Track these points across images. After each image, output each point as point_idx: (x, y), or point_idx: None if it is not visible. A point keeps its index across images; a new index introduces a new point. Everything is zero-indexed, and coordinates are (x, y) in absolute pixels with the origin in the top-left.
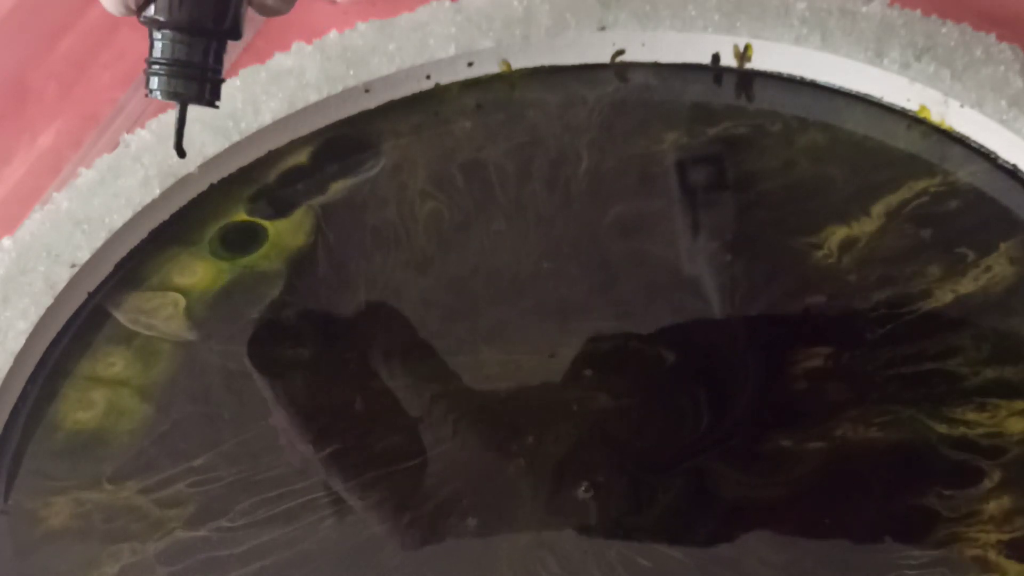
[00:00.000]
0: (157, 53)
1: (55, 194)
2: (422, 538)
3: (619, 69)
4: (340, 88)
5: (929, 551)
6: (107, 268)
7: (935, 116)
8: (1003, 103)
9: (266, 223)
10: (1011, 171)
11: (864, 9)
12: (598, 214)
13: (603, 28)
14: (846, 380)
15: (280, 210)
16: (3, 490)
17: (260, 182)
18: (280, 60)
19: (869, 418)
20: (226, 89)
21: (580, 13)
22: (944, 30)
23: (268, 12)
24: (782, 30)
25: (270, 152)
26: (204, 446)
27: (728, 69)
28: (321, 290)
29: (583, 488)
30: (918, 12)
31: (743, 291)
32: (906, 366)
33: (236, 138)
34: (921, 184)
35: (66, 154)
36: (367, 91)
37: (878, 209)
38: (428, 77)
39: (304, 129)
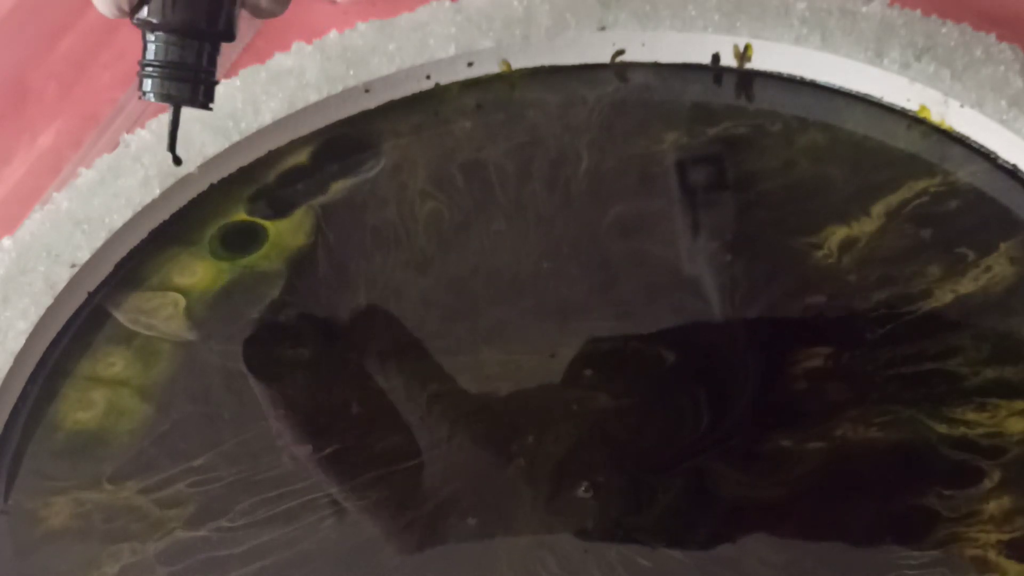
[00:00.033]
0: (150, 55)
1: (55, 194)
2: (422, 538)
3: (619, 69)
4: (340, 88)
5: (929, 551)
6: (107, 268)
7: (935, 116)
8: (1003, 103)
9: (266, 223)
10: (1011, 171)
11: (864, 9)
12: (598, 214)
13: (603, 28)
14: (846, 380)
15: (280, 210)
16: (3, 490)
17: (260, 182)
18: (280, 60)
19: (869, 418)
20: (226, 89)
21: (580, 13)
22: (944, 30)
23: (262, 14)
24: (782, 30)
25: (270, 152)
26: (204, 446)
27: (728, 69)
28: (321, 290)
29: (583, 488)
30: (918, 12)
31: (743, 291)
32: (906, 366)
33: (236, 138)
34: (921, 184)
35: (66, 154)
36: (367, 91)
37: (878, 209)
38: (428, 77)
39: (304, 129)
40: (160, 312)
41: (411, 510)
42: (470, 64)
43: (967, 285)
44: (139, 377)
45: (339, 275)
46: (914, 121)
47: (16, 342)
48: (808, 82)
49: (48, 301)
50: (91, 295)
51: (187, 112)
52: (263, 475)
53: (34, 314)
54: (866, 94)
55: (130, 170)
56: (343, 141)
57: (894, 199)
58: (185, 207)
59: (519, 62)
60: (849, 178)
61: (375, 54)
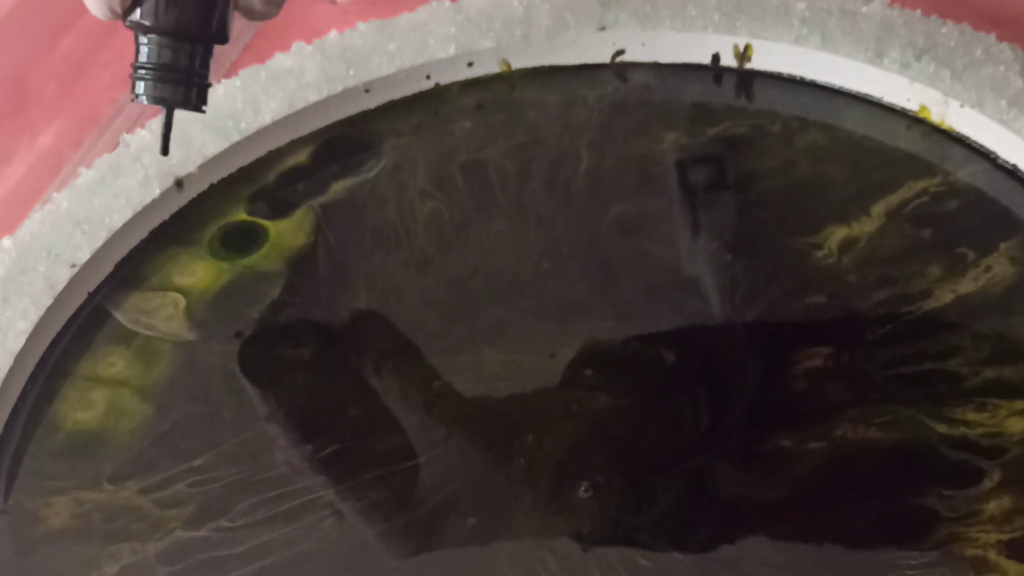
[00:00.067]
0: (143, 57)
1: (55, 194)
2: (422, 538)
3: (619, 69)
4: (340, 88)
5: (929, 551)
6: (107, 268)
7: (935, 116)
8: (1003, 103)
9: (266, 223)
10: (1011, 171)
11: (864, 9)
12: (598, 214)
13: (603, 28)
14: (846, 380)
15: (280, 210)
16: (3, 490)
17: (260, 182)
18: (280, 60)
19: (869, 418)
20: (226, 89)
21: (580, 13)
22: (944, 30)
23: (255, 16)
24: (782, 30)
25: (270, 152)
26: (204, 446)
27: (728, 69)
28: (321, 290)
29: (583, 488)
30: (918, 12)
31: (743, 291)
32: (906, 366)
33: (236, 138)
34: (921, 184)
35: (66, 154)
36: (367, 91)
37: (878, 209)
38: (428, 77)
39: (304, 129)
40: (160, 312)
41: (411, 510)
42: (470, 64)
43: (967, 285)
44: (139, 377)
45: (339, 275)
46: (914, 121)
47: (16, 342)
48: (808, 82)
49: (48, 301)
50: (91, 295)
51: (187, 112)
52: (263, 475)
53: (34, 314)
54: (866, 94)
55: (130, 170)
56: (343, 141)
57: (894, 199)
58: (185, 207)
59: (519, 62)
60: (849, 178)
61: (375, 54)
